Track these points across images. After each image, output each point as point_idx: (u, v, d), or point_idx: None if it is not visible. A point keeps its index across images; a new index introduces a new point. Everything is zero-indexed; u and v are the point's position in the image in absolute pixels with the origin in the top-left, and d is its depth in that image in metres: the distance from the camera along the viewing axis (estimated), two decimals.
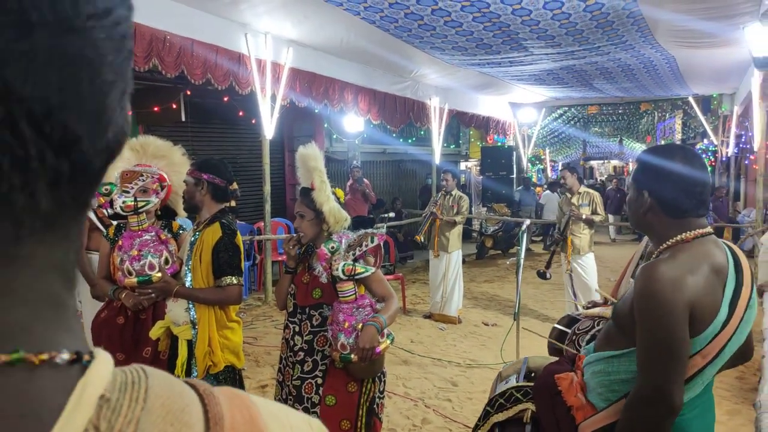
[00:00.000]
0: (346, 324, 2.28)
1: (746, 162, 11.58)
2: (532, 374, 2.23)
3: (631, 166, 24.44)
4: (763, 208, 7.43)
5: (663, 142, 19.70)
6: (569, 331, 2.54)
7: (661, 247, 1.55)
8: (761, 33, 4.77)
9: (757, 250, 6.32)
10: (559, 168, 22.07)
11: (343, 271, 2.30)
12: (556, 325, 2.67)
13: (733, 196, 11.98)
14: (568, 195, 5.96)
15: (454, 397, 4.30)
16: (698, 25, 5.24)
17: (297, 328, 2.44)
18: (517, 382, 2.16)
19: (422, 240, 6.65)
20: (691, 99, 11.11)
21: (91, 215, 4.20)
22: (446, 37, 6.08)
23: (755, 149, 7.68)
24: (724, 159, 12.12)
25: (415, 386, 4.53)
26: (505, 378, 2.33)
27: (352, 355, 2.25)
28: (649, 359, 1.41)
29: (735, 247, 1.57)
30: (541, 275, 5.81)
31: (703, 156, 13.94)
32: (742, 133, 10.40)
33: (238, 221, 8.16)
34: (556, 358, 2.13)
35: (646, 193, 1.56)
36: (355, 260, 2.35)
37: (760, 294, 3.87)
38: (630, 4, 4.89)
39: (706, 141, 13.97)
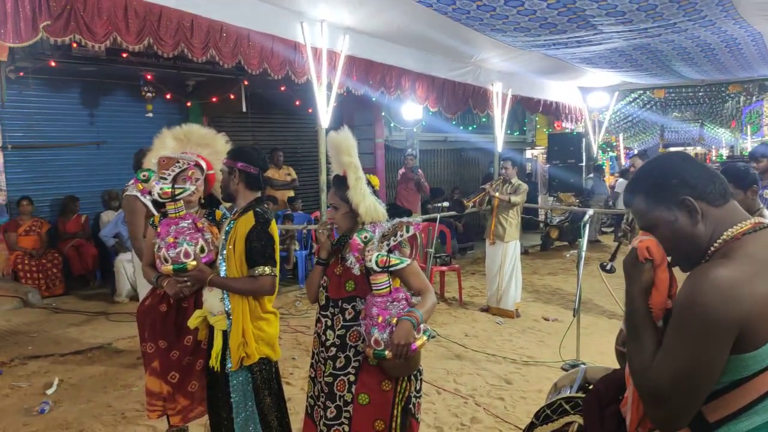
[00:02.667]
0: (380, 318, 2.15)
1: None
2: (589, 386, 2.04)
3: (714, 154, 22.94)
4: None
5: (749, 128, 18.28)
6: None
7: (712, 248, 1.32)
8: None
9: None
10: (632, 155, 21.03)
11: (376, 262, 2.16)
12: (624, 328, 2.44)
13: None
14: None
15: (507, 396, 4.10)
16: None
17: (329, 322, 2.34)
18: (570, 392, 1.98)
19: (470, 205, 6.53)
20: None
21: (147, 202, 4.29)
22: (507, 17, 5.79)
23: None
24: None
25: (466, 382, 4.37)
26: (560, 389, 2.17)
27: (386, 352, 2.12)
28: (667, 366, 1.24)
29: None
30: (603, 267, 5.49)
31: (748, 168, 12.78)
32: None
33: (300, 211, 8.27)
34: (618, 367, 1.93)
35: (688, 200, 1.32)
36: (390, 251, 2.21)
37: None
38: None
39: None
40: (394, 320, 2.13)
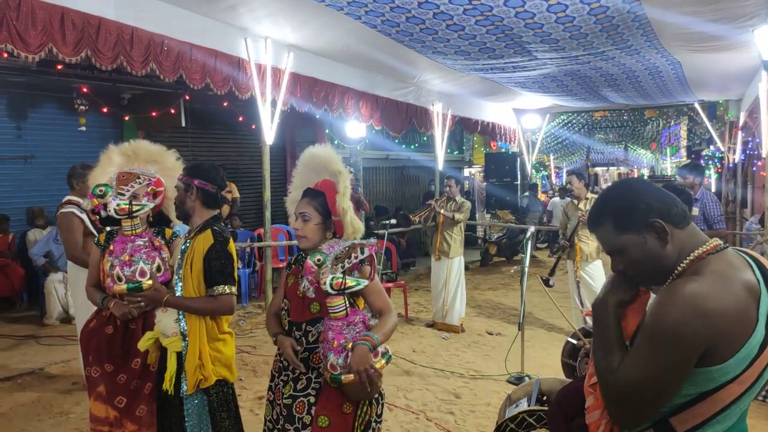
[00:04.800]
0: (335, 343, 2.10)
1: (754, 169, 11.43)
2: (544, 398, 2.11)
3: (635, 174, 24.33)
4: None
5: (668, 150, 19.56)
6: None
7: (679, 268, 1.39)
8: None
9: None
10: (564, 174, 22.00)
11: (331, 285, 2.09)
12: (569, 339, 2.54)
13: (740, 203, 11.83)
14: (575, 201, 5.86)
15: (457, 410, 4.17)
16: (705, 27, 5.14)
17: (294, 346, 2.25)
18: (529, 405, 2.04)
19: (417, 220, 6.79)
20: (696, 105, 10.99)
21: (86, 219, 4.12)
22: (448, 41, 5.99)
23: (763, 155, 7.54)
24: (731, 165, 11.96)
25: (416, 398, 4.41)
26: (515, 401, 2.21)
27: (343, 376, 2.08)
28: (634, 372, 1.31)
29: (759, 257, 1.42)
30: (545, 282, 5.71)
31: (710, 162, 13.81)
32: (749, 139, 10.26)
33: (241, 228, 8.12)
34: (570, 380, 2.01)
35: (657, 222, 1.38)
36: (347, 272, 2.15)
37: None
38: (635, 7, 4.79)
39: (712, 147, 13.83)
40: (350, 345, 2.08)
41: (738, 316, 1.27)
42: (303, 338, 2.25)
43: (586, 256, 5.63)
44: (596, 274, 5.68)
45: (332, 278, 2.09)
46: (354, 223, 2.25)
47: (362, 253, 2.17)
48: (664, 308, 1.29)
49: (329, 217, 2.27)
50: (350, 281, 2.11)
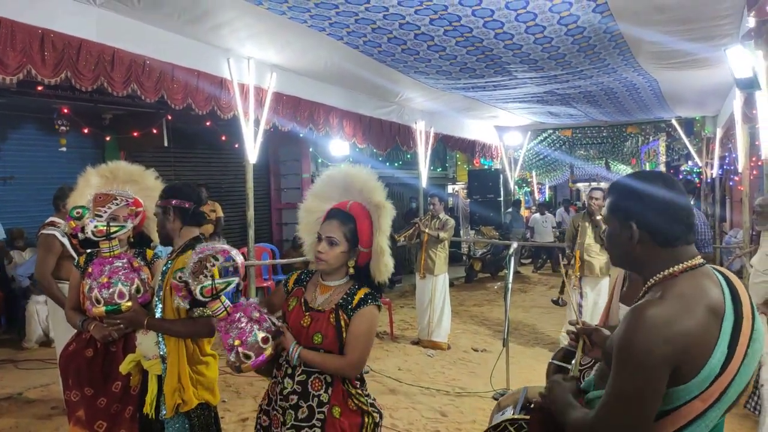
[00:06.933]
0: (225, 344, 2.07)
1: (731, 183, 11.67)
2: (530, 404, 2.12)
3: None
4: (750, 228, 7.42)
5: (648, 165, 19.87)
6: (568, 366, 2.41)
7: (649, 282, 1.43)
8: (742, 55, 4.79)
9: (745, 272, 6.27)
10: (549, 192, 22.16)
11: (202, 294, 2.07)
12: (552, 360, 2.55)
13: (719, 218, 12.04)
14: (591, 216, 5.78)
15: (443, 429, 4.16)
16: (680, 45, 5.27)
17: (289, 370, 2.15)
18: (514, 413, 2.05)
19: (402, 240, 6.70)
20: (674, 121, 11.21)
21: (65, 242, 4.08)
22: (430, 61, 6.07)
23: (740, 170, 7.71)
24: (708, 181, 12.20)
25: (402, 417, 4.38)
26: (503, 408, 2.22)
27: (243, 366, 2.06)
28: (611, 404, 1.33)
29: (730, 275, 1.45)
30: (556, 302, 5.70)
31: (689, 178, 14.07)
32: (726, 154, 10.49)
33: None
34: None
35: (633, 224, 1.43)
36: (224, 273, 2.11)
37: None
38: (612, 27, 4.91)
39: (690, 163, 14.09)
40: (236, 342, 2.05)
41: (699, 338, 1.30)
42: (300, 366, 2.14)
43: (591, 270, 5.59)
44: (603, 291, 5.67)
45: (201, 288, 2.07)
46: (387, 265, 2.14)
47: (217, 260, 2.11)
48: (627, 336, 1.31)
49: (356, 245, 2.16)
50: (220, 284, 2.08)
